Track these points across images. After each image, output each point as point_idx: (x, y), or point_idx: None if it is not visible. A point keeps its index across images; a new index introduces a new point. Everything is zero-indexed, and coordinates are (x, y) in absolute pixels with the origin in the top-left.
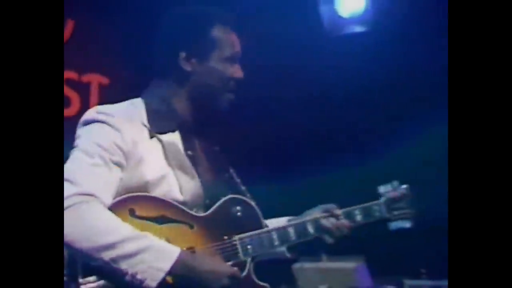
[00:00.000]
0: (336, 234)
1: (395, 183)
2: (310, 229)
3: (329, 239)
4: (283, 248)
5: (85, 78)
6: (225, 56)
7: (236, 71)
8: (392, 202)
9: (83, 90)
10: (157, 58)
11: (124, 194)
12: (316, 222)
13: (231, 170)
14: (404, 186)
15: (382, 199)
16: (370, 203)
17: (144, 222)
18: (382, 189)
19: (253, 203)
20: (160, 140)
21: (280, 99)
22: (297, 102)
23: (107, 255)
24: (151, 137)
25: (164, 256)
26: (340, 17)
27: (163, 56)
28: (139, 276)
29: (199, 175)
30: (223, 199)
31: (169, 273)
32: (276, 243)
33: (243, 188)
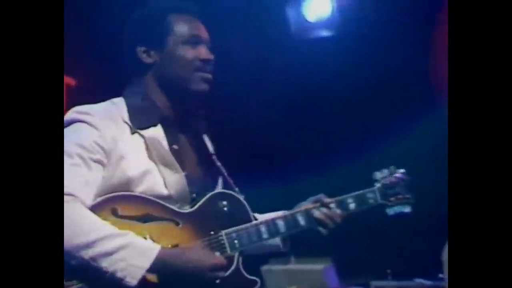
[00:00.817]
0: (329, 224)
1: (392, 168)
2: (301, 220)
3: (322, 230)
4: (277, 242)
5: None
6: (183, 40)
7: (201, 53)
8: (388, 188)
9: None
10: (124, 58)
11: (108, 192)
12: (307, 213)
13: (218, 163)
14: (401, 170)
15: (377, 185)
16: (364, 190)
17: (128, 221)
18: (378, 175)
19: (241, 197)
20: (142, 136)
21: (248, 97)
22: (266, 101)
23: (87, 254)
24: (133, 133)
25: (144, 254)
26: (306, 21)
27: (127, 55)
28: (119, 274)
29: (185, 169)
30: (209, 194)
31: (149, 270)
32: (265, 236)
33: (231, 181)
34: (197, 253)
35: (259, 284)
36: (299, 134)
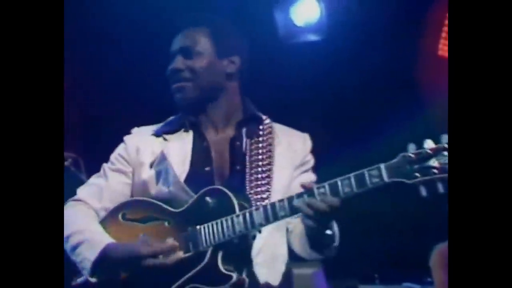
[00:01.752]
0: (310, 213)
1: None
2: (281, 211)
3: (307, 221)
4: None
5: None
6: (170, 54)
7: (173, 64)
8: (414, 162)
9: None
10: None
11: (133, 194)
12: (288, 202)
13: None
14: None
15: (390, 162)
16: (366, 169)
17: (132, 223)
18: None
19: (229, 193)
20: (165, 139)
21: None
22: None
23: (66, 247)
24: (158, 137)
25: (93, 248)
26: (295, 25)
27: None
28: (78, 266)
29: (212, 165)
30: (201, 191)
31: (96, 262)
32: (239, 229)
33: (249, 181)
34: (136, 244)
35: (234, 278)
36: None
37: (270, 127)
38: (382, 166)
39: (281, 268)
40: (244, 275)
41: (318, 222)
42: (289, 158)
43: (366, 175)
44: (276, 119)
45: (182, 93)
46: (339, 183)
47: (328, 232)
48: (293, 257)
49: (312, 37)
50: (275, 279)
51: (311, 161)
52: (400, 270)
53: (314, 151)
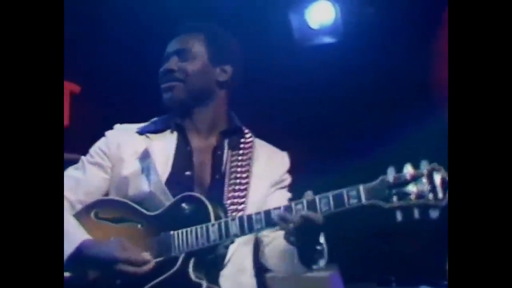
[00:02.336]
0: (283, 227)
1: (409, 165)
2: (257, 224)
3: (288, 237)
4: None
5: None
6: (165, 55)
7: (165, 66)
8: (392, 186)
9: None
10: None
11: (111, 189)
12: (266, 216)
13: (225, 170)
14: (425, 166)
15: (368, 184)
16: (344, 189)
17: (105, 222)
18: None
19: (206, 201)
20: (148, 138)
21: (250, 104)
22: (265, 108)
23: None
24: (140, 134)
25: (70, 243)
26: (310, 28)
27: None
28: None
29: (192, 170)
30: (177, 197)
31: (70, 259)
32: (213, 238)
33: (228, 188)
34: (112, 246)
35: (204, 287)
36: (301, 141)
37: (252, 141)
38: (361, 187)
39: (248, 282)
40: (213, 285)
41: (298, 238)
42: (267, 173)
43: (345, 195)
44: (292, 122)
45: (171, 93)
46: (317, 200)
47: (319, 247)
48: (261, 270)
49: (327, 39)
50: None
51: (288, 179)
52: (417, 273)
53: (325, 152)
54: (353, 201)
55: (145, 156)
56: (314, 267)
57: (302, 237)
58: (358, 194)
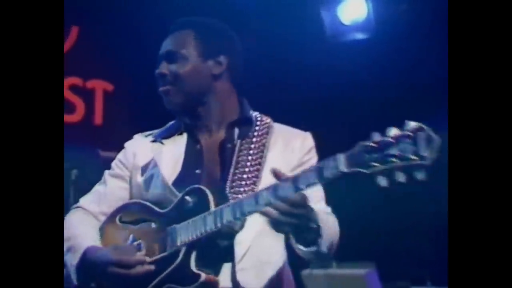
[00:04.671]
0: (270, 213)
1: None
2: (247, 207)
3: (274, 226)
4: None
5: (90, 84)
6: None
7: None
8: (373, 151)
9: (87, 96)
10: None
11: (131, 198)
12: (255, 198)
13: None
14: (410, 125)
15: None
16: (324, 159)
17: (126, 225)
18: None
19: (206, 190)
20: (161, 143)
21: (280, 101)
22: (299, 105)
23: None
24: (153, 141)
25: (77, 252)
26: (342, 24)
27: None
28: (68, 272)
29: (202, 168)
30: (183, 192)
31: (78, 267)
32: (210, 227)
33: (230, 184)
34: (106, 250)
35: (202, 278)
36: (330, 138)
37: (268, 127)
38: (341, 156)
39: (269, 275)
40: (218, 277)
41: (286, 222)
42: (285, 159)
43: (325, 165)
44: (322, 119)
45: (168, 97)
46: (301, 174)
47: (313, 225)
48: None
49: (359, 36)
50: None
51: (311, 160)
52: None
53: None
54: (333, 171)
55: (153, 164)
56: (314, 248)
57: (290, 219)
58: (336, 163)
